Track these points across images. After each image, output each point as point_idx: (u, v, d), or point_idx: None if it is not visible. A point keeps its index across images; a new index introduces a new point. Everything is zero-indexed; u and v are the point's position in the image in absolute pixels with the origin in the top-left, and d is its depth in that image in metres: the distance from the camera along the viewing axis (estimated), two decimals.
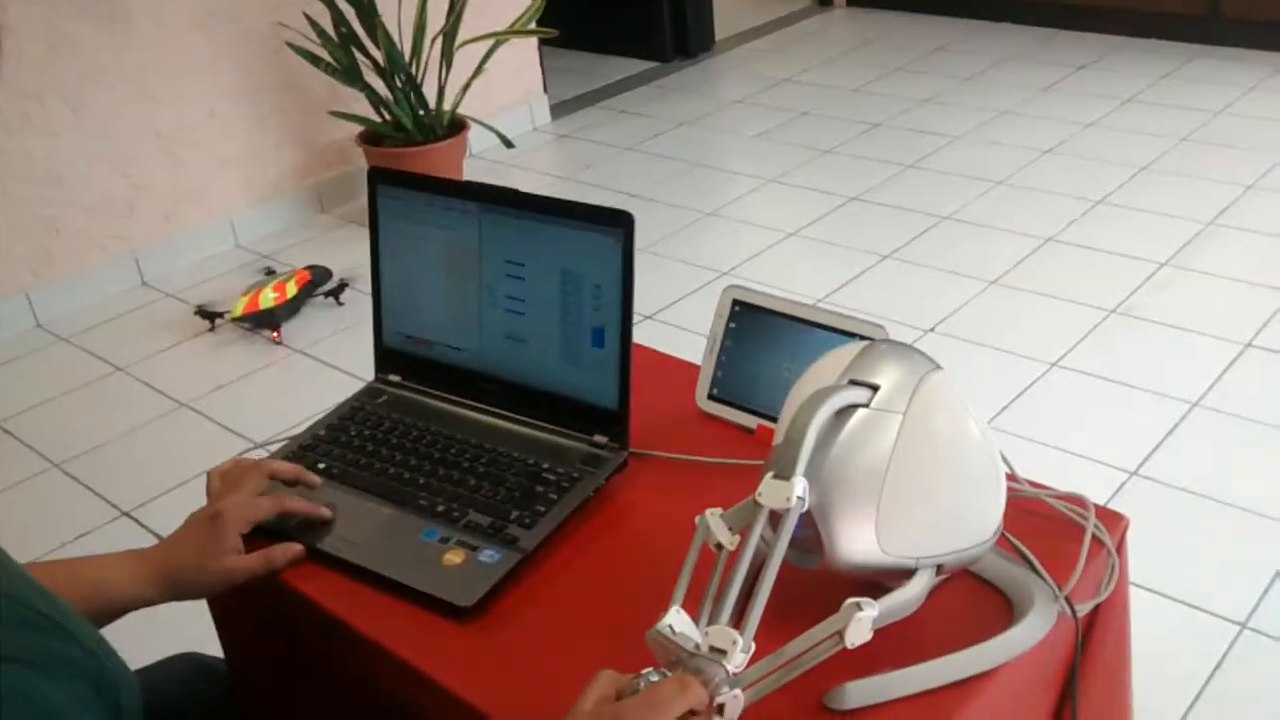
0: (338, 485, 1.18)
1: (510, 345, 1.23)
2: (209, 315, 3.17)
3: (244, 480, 1.11)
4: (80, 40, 3.22)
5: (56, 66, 3.19)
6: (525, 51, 4.40)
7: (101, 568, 1.05)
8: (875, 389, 0.88)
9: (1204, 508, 2.19)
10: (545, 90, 4.55)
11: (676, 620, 0.83)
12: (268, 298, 3.09)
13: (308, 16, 3.48)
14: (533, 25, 3.68)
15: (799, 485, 0.83)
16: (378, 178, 1.28)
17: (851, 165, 3.90)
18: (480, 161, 4.17)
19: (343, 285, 3.29)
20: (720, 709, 0.80)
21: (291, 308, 3.14)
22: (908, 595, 0.87)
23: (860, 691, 0.87)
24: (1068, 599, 0.96)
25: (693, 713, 0.79)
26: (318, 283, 3.26)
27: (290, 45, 3.53)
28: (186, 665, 1.26)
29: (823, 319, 1.17)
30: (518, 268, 1.20)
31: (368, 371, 1.34)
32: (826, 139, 4.13)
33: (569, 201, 1.16)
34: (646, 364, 1.29)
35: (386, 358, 1.33)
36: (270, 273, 3.39)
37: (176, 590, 1.06)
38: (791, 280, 3.14)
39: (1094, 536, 1.01)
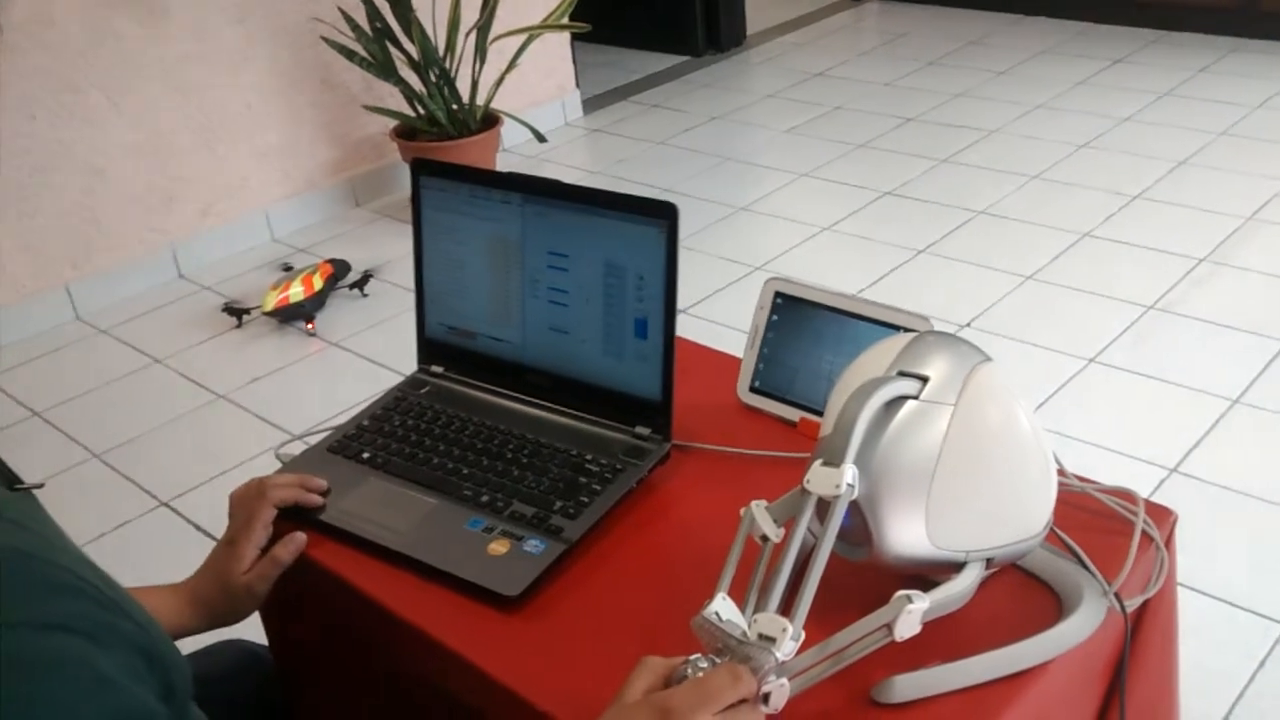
0: (382, 475, 1.18)
1: (553, 336, 1.23)
2: (236, 312, 3.19)
3: (255, 510, 1.13)
4: (121, 33, 3.25)
5: (97, 59, 3.22)
6: (558, 46, 4.41)
7: (145, 599, 1.07)
8: (925, 380, 0.88)
9: (1245, 505, 2.17)
10: (577, 85, 4.55)
11: (723, 607, 0.83)
12: (297, 292, 3.12)
13: (343, 11, 3.49)
14: (566, 19, 3.68)
15: (849, 472, 0.83)
16: (421, 169, 1.28)
17: (885, 159, 3.88)
18: (513, 156, 4.18)
19: (366, 276, 3.31)
20: (766, 697, 0.80)
21: (318, 300, 3.16)
22: (957, 589, 0.86)
23: (908, 685, 0.87)
24: (1117, 594, 0.95)
25: (741, 701, 0.78)
26: (339, 275, 3.28)
27: (325, 39, 3.54)
28: (232, 652, 1.27)
29: (866, 311, 1.16)
30: (561, 259, 1.20)
31: (400, 362, 1.35)
32: (860, 133, 4.11)
33: (612, 192, 1.16)
34: (687, 356, 1.29)
35: (429, 349, 1.34)
36: (288, 268, 3.42)
37: (212, 615, 1.11)
38: (826, 275, 3.13)
39: (1143, 532, 1.01)
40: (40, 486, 0.86)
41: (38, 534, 0.73)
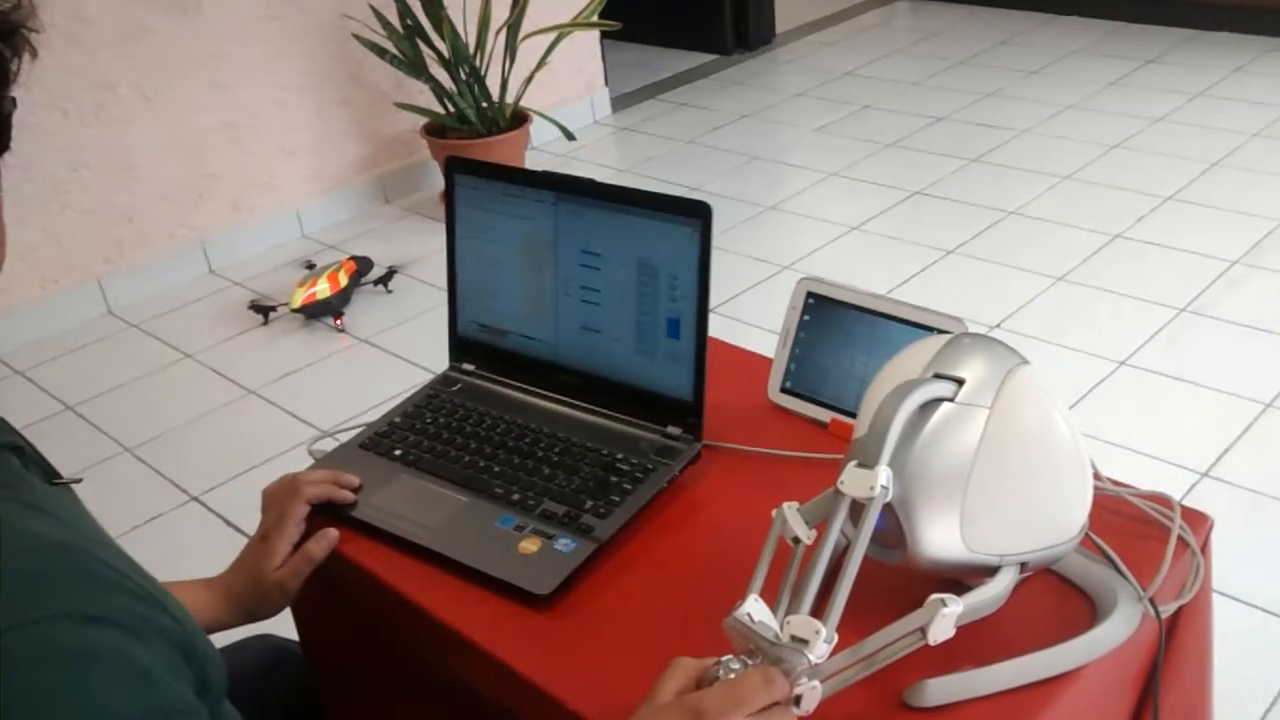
0: (414, 472, 1.19)
1: (585, 335, 1.23)
2: (262, 310, 3.20)
3: (288, 506, 1.14)
4: (154, 30, 3.27)
5: (130, 56, 3.24)
6: (587, 44, 4.41)
7: (179, 593, 1.08)
8: (960, 383, 0.87)
9: (1277, 510, 2.15)
10: (606, 83, 4.55)
11: (755, 609, 0.83)
12: (323, 288, 3.14)
13: (374, 9, 3.51)
14: (596, 18, 3.68)
15: (883, 474, 0.83)
16: (455, 167, 1.28)
17: (915, 159, 3.86)
18: (541, 154, 4.18)
19: (391, 272, 3.33)
20: (798, 700, 0.79)
21: (344, 297, 3.18)
22: (992, 593, 0.86)
23: (941, 689, 0.86)
24: (1152, 600, 0.94)
25: (773, 703, 0.78)
26: (363, 272, 3.29)
27: (356, 37, 3.56)
28: (263, 647, 1.28)
29: (900, 312, 1.16)
30: (594, 258, 1.20)
31: (429, 359, 1.35)
32: (889, 133, 4.09)
33: (646, 191, 1.16)
34: (718, 356, 1.28)
35: (461, 346, 1.34)
36: (311, 266, 3.43)
37: (245, 610, 1.12)
38: (854, 275, 3.11)
39: (1178, 537, 1.00)
40: (78, 481, 0.87)
41: (77, 528, 0.74)
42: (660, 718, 0.78)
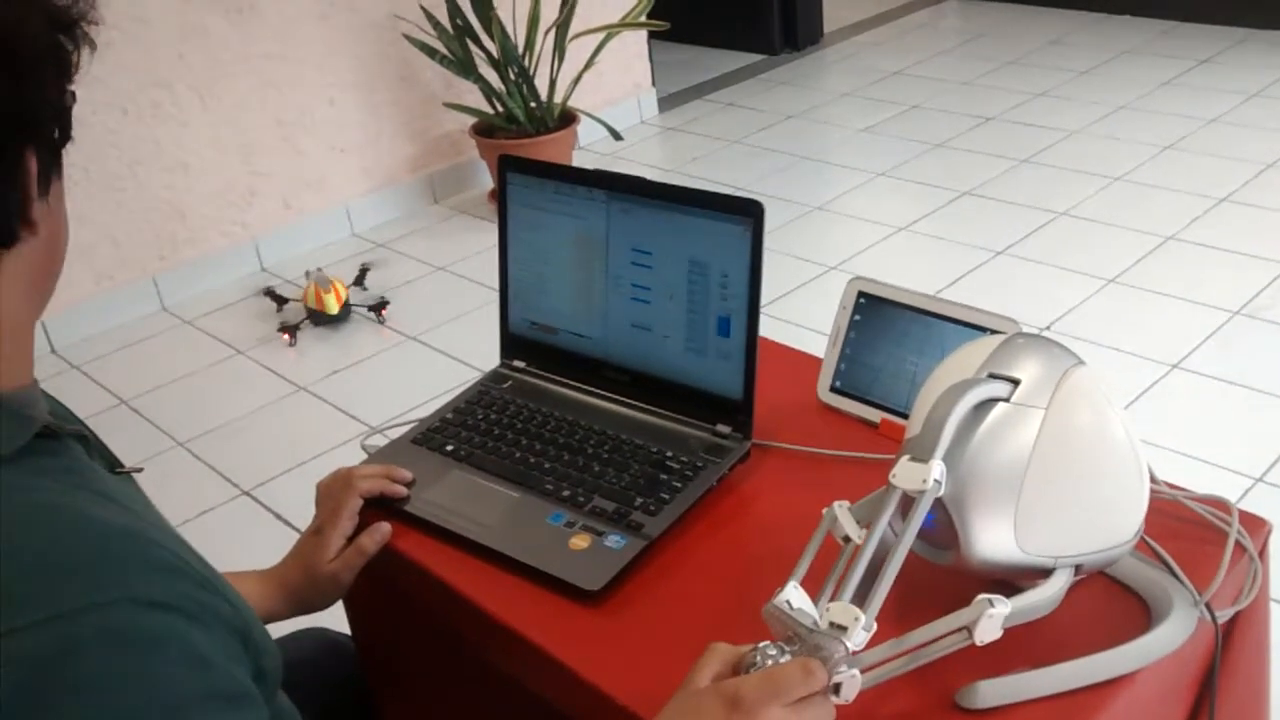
0: (465, 467, 1.20)
1: (635, 333, 1.24)
2: (289, 330, 3.18)
3: (342, 500, 1.15)
4: (210, 30, 3.32)
5: (187, 56, 3.29)
6: (634, 44, 4.42)
7: (234, 583, 1.10)
8: (1016, 383, 0.87)
9: None
10: (653, 83, 4.56)
11: (794, 596, 0.82)
12: (343, 291, 3.18)
13: (424, 9, 3.53)
14: (644, 18, 3.69)
15: (937, 468, 0.82)
16: (508, 166, 1.29)
17: (964, 159, 3.83)
18: (588, 154, 4.20)
19: (364, 270, 3.41)
20: (837, 688, 0.78)
21: (348, 301, 3.22)
22: (1044, 595, 0.85)
23: (994, 691, 0.86)
24: (1208, 605, 0.93)
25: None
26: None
27: (406, 37, 3.59)
28: (314, 640, 1.30)
29: (952, 312, 1.15)
30: (645, 256, 1.21)
31: (476, 356, 1.36)
32: (938, 133, 4.06)
33: (698, 190, 1.16)
34: (767, 355, 1.28)
35: (512, 343, 1.35)
36: (269, 293, 3.36)
37: (298, 603, 1.14)
38: (902, 276, 3.08)
39: (1235, 542, 0.98)
40: (140, 470, 0.88)
41: (139, 515, 0.75)
42: (697, 703, 0.78)
